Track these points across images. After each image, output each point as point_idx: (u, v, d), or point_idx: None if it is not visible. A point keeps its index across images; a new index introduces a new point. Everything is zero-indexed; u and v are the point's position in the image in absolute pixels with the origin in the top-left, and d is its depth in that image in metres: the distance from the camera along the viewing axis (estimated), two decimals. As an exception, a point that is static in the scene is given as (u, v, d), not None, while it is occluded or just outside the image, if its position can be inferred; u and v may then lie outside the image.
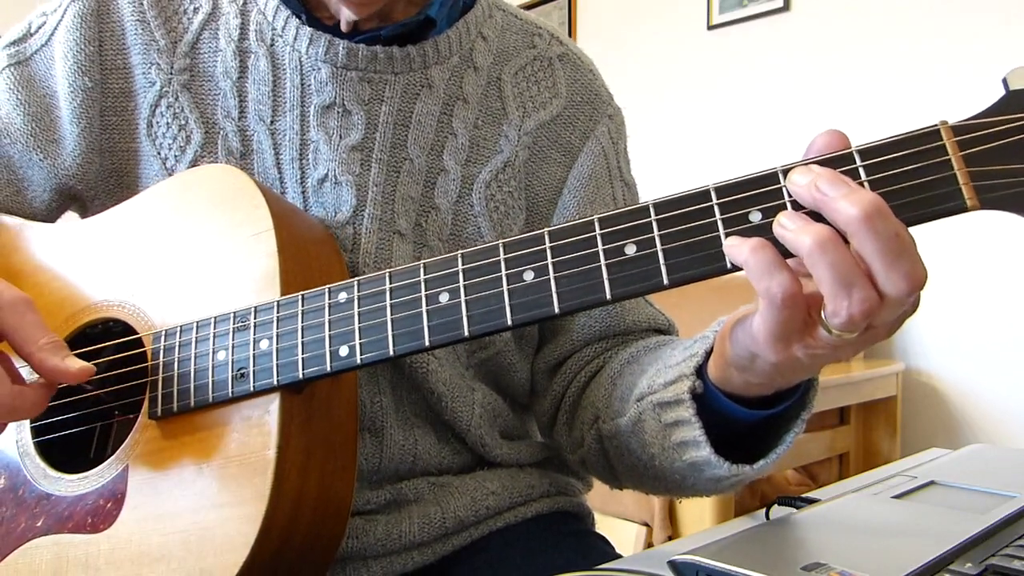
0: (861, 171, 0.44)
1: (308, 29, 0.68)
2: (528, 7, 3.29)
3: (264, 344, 0.56)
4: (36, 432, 0.64)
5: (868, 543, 0.47)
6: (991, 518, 0.49)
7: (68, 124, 0.70)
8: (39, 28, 0.72)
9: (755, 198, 0.46)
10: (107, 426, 0.68)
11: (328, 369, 0.54)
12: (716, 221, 0.46)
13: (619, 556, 0.73)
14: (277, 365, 0.55)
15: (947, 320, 2.28)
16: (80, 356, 0.62)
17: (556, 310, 0.48)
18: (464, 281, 0.51)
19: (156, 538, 0.56)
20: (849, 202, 0.41)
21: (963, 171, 0.42)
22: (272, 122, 0.69)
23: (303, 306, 0.55)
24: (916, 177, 0.43)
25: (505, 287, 0.50)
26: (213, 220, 0.61)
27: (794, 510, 0.57)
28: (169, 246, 0.63)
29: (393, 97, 0.69)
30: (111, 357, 0.63)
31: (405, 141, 0.69)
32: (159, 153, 0.69)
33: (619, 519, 1.94)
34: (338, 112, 0.68)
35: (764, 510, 0.63)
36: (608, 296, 0.47)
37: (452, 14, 0.71)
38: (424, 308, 0.51)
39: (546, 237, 0.49)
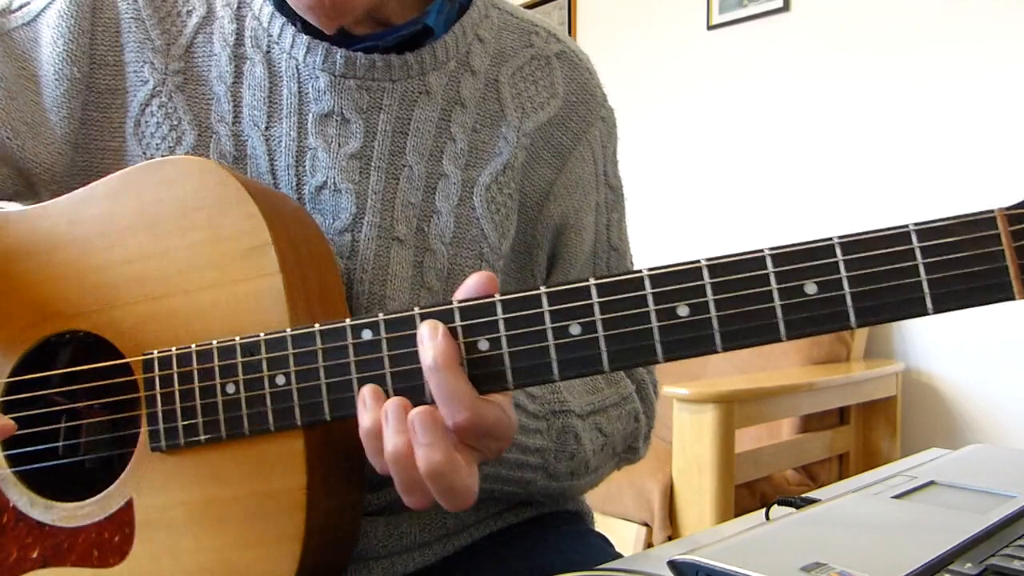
0: (917, 252, 0.43)
1: (305, 37, 0.68)
2: (528, 7, 3.29)
3: (280, 380, 0.52)
4: (11, 459, 0.60)
5: (868, 543, 0.47)
6: (991, 518, 0.49)
7: (47, 111, 0.68)
8: (22, 7, 0.70)
9: (810, 269, 0.44)
10: (86, 447, 0.64)
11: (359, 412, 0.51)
12: (772, 291, 0.45)
13: (620, 555, 0.73)
14: (300, 406, 0.52)
15: (947, 320, 2.28)
16: (57, 376, 0.59)
17: (607, 368, 0.47)
18: (506, 331, 0.49)
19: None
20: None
21: (1014, 264, 0.42)
22: (267, 128, 0.68)
23: (322, 343, 0.52)
24: (968, 265, 0.42)
25: (551, 341, 0.48)
26: (193, 227, 0.56)
27: (794, 510, 0.57)
28: (140, 250, 0.57)
29: (391, 105, 0.68)
30: (94, 383, 0.59)
31: (404, 148, 0.69)
32: (145, 153, 0.68)
33: (619, 519, 1.94)
34: (336, 120, 0.68)
35: (764, 510, 0.63)
36: (660, 357, 0.47)
37: (449, 17, 0.71)
38: (464, 357, 0.49)
39: (594, 291, 0.47)
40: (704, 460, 1.77)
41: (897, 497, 0.56)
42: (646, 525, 1.90)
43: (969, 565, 0.42)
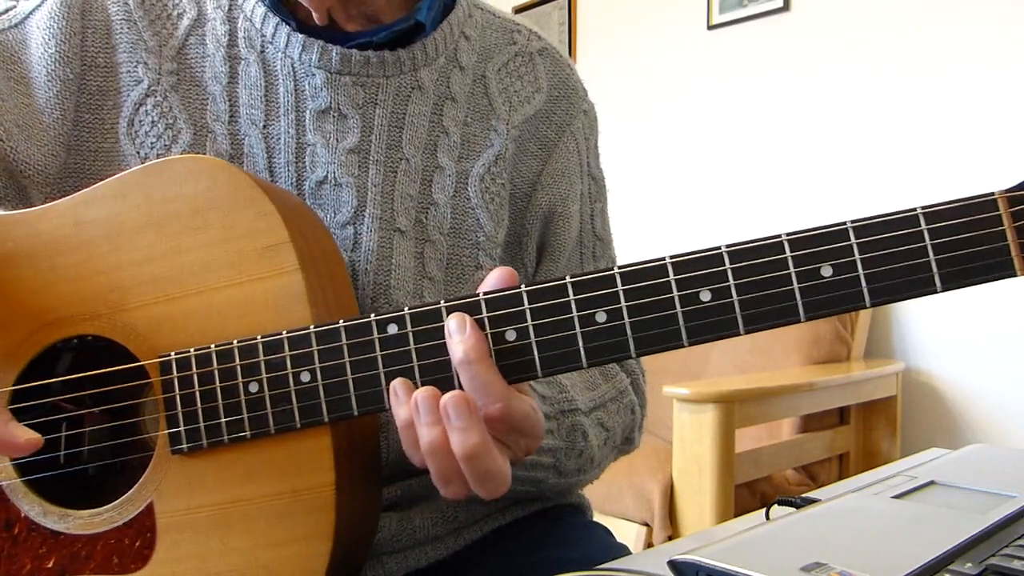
0: (925, 233, 0.45)
1: (300, 36, 0.69)
2: (528, 7, 3.29)
3: (305, 377, 0.52)
4: (21, 469, 0.59)
5: (868, 543, 0.47)
6: (991, 518, 0.49)
7: (40, 113, 0.68)
8: (7, 10, 0.70)
9: (825, 253, 0.46)
10: (102, 453, 0.63)
11: (387, 406, 0.51)
12: (790, 274, 0.47)
13: (624, 546, 0.75)
14: (326, 402, 0.52)
15: (947, 320, 2.28)
16: (71, 383, 0.58)
17: (633, 354, 0.48)
18: (532, 321, 0.49)
19: None
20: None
21: (1015, 243, 0.44)
22: (265, 126, 0.69)
23: (347, 338, 0.52)
24: (973, 245, 0.45)
25: (578, 329, 0.49)
26: (206, 226, 0.56)
27: (794, 510, 0.57)
28: (151, 251, 0.57)
29: (386, 100, 0.70)
30: (110, 387, 0.58)
31: (400, 142, 0.70)
32: (138, 152, 0.68)
33: (619, 519, 1.94)
34: (334, 116, 0.69)
35: (764, 510, 0.63)
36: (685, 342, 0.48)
37: (436, 16, 0.73)
38: (492, 348, 0.50)
39: (618, 279, 0.48)
40: (704, 460, 1.77)
41: (897, 497, 0.56)
42: (646, 525, 1.90)
43: (969, 565, 0.42)
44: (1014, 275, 0.45)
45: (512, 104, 0.76)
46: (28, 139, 0.67)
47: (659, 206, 2.84)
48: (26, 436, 0.52)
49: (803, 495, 0.62)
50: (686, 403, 1.80)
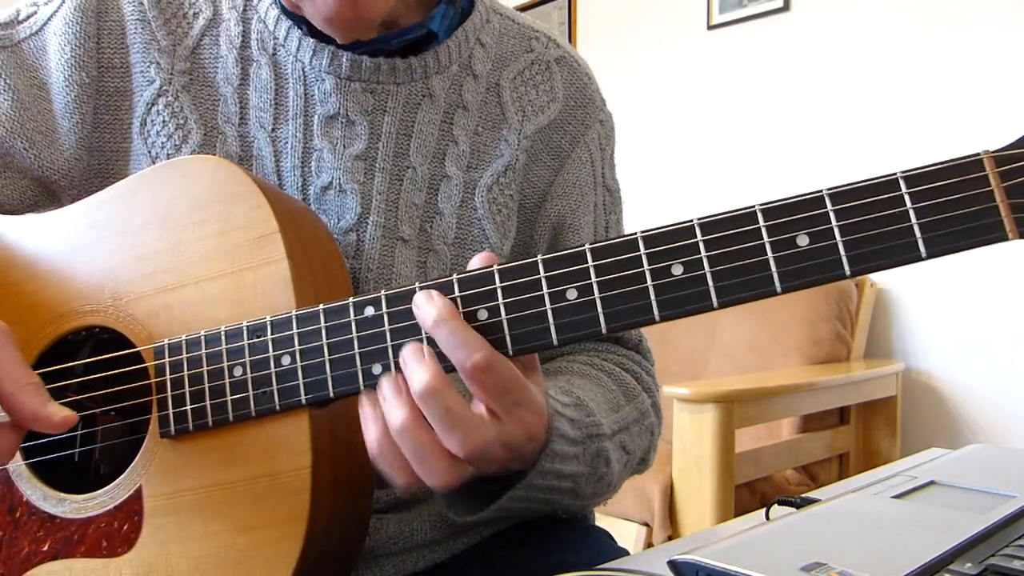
0: (907, 197, 0.44)
1: (311, 40, 0.69)
2: (528, 7, 3.29)
3: (286, 360, 0.53)
4: (25, 452, 0.61)
5: (868, 543, 0.47)
6: (991, 518, 0.49)
7: (59, 118, 0.69)
8: (28, 17, 0.71)
9: (800, 221, 0.45)
10: (100, 438, 0.65)
11: (361, 388, 0.52)
12: (764, 244, 0.45)
13: (624, 550, 0.74)
14: (304, 383, 0.53)
15: (947, 320, 2.28)
16: (72, 370, 0.60)
17: (604, 330, 0.48)
18: (503, 299, 0.49)
19: (185, 562, 0.54)
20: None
21: (1005, 203, 0.42)
22: (273, 129, 0.69)
23: (326, 321, 0.53)
24: (959, 207, 0.43)
25: (548, 306, 0.49)
26: (205, 220, 0.58)
27: (794, 510, 0.57)
28: (155, 246, 0.59)
29: (396, 107, 0.70)
30: (107, 372, 0.60)
31: (407, 150, 0.70)
32: (150, 152, 0.68)
33: (619, 519, 1.94)
34: (342, 122, 0.69)
35: (764, 510, 0.63)
36: (657, 318, 0.47)
37: (451, 22, 0.72)
38: None
39: (589, 255, 0.48)
40: (704, 460, 1.77)
41: (897, 497, 0.56)
42: (646, 525, 1.90)
43: (969, 565, 0.42)
44: (1005, 238, 0.42)
45: (526, 113, 0.74)
46: (51, 145, 0.69)
47: (660, 206, 2.84)
48: (62, 414, 0.52)
49: (803, 495, 0.62)
50: (686, 403, 1.80)
